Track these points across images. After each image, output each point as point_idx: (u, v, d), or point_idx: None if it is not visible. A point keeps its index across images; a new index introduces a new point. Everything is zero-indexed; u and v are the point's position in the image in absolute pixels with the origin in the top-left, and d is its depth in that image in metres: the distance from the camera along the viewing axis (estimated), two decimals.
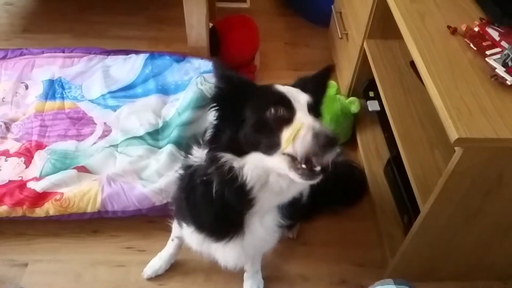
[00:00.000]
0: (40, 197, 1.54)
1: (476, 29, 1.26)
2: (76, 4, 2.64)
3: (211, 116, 1.01)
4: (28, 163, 1.68)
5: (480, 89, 1.10)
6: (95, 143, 1.76)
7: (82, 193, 1.55)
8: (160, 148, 1.74)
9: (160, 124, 1.83)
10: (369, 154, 1.85)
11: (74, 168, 1.64)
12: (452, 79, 1.12)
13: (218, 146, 0.98)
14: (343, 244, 1.64)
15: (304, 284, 1.53)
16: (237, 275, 1.48)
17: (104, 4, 2.63)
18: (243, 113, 0.96)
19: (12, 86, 1.96)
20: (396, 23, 1.36)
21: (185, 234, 1.24)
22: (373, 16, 1.69)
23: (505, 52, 1.15)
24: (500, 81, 1.11)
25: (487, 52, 1.19)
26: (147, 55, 2.07)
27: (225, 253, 1.17)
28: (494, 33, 1.24)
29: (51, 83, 1.97)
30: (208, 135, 1.02)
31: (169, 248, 1.49)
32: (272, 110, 0.91)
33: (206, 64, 2.02)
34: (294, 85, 1.02)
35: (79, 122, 1.84)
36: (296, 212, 1.14)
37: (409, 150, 1.39)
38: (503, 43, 1.21)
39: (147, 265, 1.50)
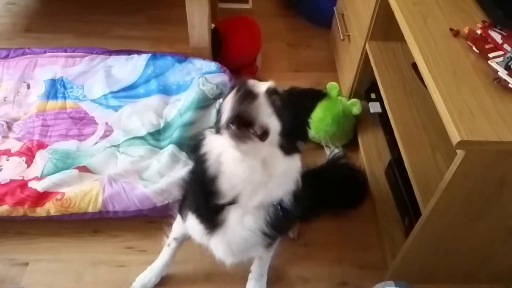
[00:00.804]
0: (41, 197, 1.54)
1: (479, 31, 1.25)
2: (79, 4, 2.64)
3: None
4: (29, 162, 1.68)
5: (483, 92, 1.10)
6: (96, 143, 1.76)
7: (83, 193, 1.55)
8: (161, 148, 1.74)
9: (162, 125, 1.83)
10: (371, 156, 1.85)
11: (75, 168, 1.64)
12: (454, 82, 1.12)
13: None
14: (343, 245, 1.64)
15: (304, 286, 1.52)
16: (238, 276, 1.48)
17: (107, 4, 2.63)
18: None
19: (14, 85, 1.96)
20: (399, 25, 1.36)
21: (188, 226, 1.24)
22: (375, 17, 1.69)
23: (508, 55, 1.14)
24: (503, 84, 1.11)
25: (490, 55, 1.18)
26: (149, 55, 2.07)
27: (215, 245, 1.17)
28: (496, 36, 1.24)
29: (53, 82, 1.97)
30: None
31: (163, 256, 1.46)
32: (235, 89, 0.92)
33: (208, 65, 2.02)
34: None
35: (81, 122, 1.84)
36: (282, 224, 1.12)
37: (410, 152, 1.39)
38: (505, 46, 1.20)
39: (137, 277, 1.46)
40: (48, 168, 1.64)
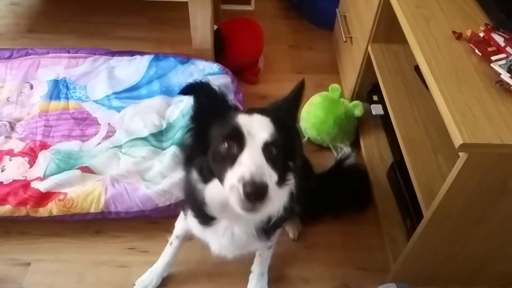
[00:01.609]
0: (44, 197, 1.54)
1: (481, 34, 1.25)
2: (82, 5, 2.66)
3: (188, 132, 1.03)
4: (32, 162, 1.68)
5: (485, 95, 1.10)
6: (99, 143, 1.77)
7: (85, 194, 1.55)
8: (163, 149, 1.75)
9: (164, 126, 1.83)
10: (372, 158, 1.85)
11: (78, 169, 1.64)
12: (456, 84, 1.12)
13: (192, 163, 1.03)
14: (345, 247, 1.64)
15: (305, 287, 1.52)
16: (239, 276, 1.48)
17: (110, 5, 2.64)
18: (209, 137, 0.98)
19: (17, 85, 1.97)
20: (401, 27, 1.36)
21: (190, 223, 1.25)
22: (378, 20, 1.70)
23: (510, 58, 1.15)
24: (505, 87, 1.11)
25: (492, 58, 1.18)
26: (151, 56, 2.08)
27: (211, 239, 1.20)
28: (499, 39, 1.24)
29: (56, 83, 1.98)
30: (185, 149, 1.07)
31: (165, 256, 1.46)
32: (225, 145, 0.92)
33: (210, 66, 2.03)
34: (267, 110, 1.01)
35: (83, 123, 1.85)
36: (274, 224, 1.13)
37: (412, 155, 1.39)
38: (508, 49, 1.20)
39: (137, 280, 1.46)
40: (51, 168, 1.65)
